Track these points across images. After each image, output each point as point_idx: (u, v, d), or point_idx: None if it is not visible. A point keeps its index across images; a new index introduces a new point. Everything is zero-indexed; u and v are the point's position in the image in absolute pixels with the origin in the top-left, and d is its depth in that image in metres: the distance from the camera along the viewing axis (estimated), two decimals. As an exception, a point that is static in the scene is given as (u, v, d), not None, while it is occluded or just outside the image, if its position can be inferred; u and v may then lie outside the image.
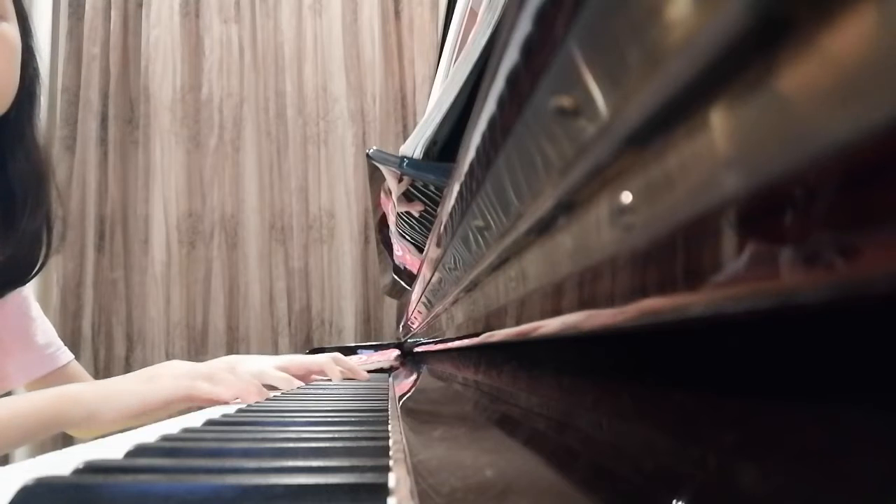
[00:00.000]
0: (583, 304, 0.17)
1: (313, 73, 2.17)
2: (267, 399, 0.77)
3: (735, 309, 0.10)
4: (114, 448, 0.40)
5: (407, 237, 0.86)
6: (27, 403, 0.66)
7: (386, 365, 1.40)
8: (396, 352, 1.43)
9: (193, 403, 0.75)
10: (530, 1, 0.16)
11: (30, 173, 0.79)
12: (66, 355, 0.97)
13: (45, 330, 0.95)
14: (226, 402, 0.74)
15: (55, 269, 2.10)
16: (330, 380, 1.09)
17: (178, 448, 0.38)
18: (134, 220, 2.15)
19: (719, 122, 0.10)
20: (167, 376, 0.76)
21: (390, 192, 0.74)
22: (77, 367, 0.99)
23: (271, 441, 0.41)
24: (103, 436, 0.52)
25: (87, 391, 0.71)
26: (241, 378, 0.79)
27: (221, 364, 0.88)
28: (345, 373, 1.10)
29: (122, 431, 0.65)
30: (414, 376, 0.91)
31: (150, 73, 2.16)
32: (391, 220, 0.87)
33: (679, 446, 0.13)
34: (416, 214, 0.71)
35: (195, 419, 0.56)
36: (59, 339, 0.98)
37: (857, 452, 0.09)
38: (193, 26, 2.19)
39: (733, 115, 0.09)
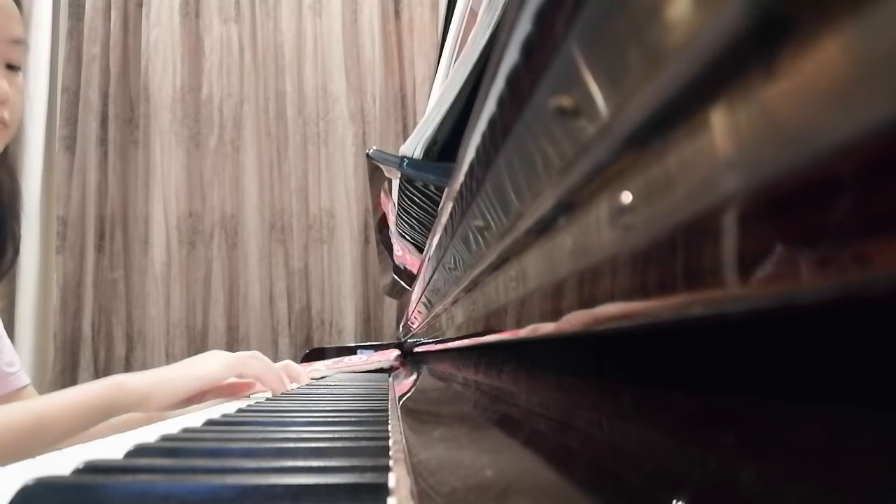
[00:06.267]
0: (583, 305, 0.17)
1: (313, 73, 2.17)
2: (267, 399, 0.77)
3: (735, 309, 0.10)
4: (114, 448, 0.40)
5: (407, 237, 0.86)
6: (77, 393, 0.69)
7: (386, 365, 1.40)
8: (396, 352, 1.43)
9: (242, 381, 0.82)
10: (530, 1, 0.16)
11: (11, 189, 0.85)
12: (26, 378, 0.96)
13: (9, 349, 0.95)
14: (269, 389, 0.83)
15: (55, 269, 2.10)
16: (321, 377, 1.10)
17: (178, 448, 0.38)
18: (134, 220, 2.15)
19: (719, 123, 0.10)
20: (214, 359, 0.82)
21: (390, 192, 0.74)
22: (33, 393, 0.96)
23: (271, 441, 0.41)
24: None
25: (136, 378, 0.74)
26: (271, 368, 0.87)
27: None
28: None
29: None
30: (414, 376, 0.91)
31: (150, 73, 2.16)
32: (391, 220, 0.87)
33: (679, 446, 0.13)
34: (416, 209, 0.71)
35: (195, 419, 0.56)
36: (19, 360, 0.97)
37: (857, 452, 0.09)
38: (193, 26, 2.19)
39: (733, 116, 0.09)
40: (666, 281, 0.12)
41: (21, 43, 0.75)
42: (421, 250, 0.79)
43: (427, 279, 0.56)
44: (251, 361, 0.83)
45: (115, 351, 2.08)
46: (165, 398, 0.73)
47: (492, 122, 0.22)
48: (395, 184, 0.68)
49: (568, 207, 0.17)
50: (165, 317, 2.10)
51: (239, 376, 0.82)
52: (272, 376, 0.85)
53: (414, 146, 0.58)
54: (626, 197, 0.13)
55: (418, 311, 0.78)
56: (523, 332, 0.24)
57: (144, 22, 2.17)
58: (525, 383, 0.28)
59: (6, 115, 0.73)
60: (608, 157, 0.14)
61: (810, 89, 0.08)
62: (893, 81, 0.06)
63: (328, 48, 2.19)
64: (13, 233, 0.85)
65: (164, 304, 2.10)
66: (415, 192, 0.65)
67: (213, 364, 0.79)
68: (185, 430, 0.46)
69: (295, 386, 0.95)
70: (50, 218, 2.15)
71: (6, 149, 0.82)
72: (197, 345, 2.08)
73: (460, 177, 0.29)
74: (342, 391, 0.89)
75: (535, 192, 0.19)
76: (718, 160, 0.10)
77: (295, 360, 1.77)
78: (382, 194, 0.84)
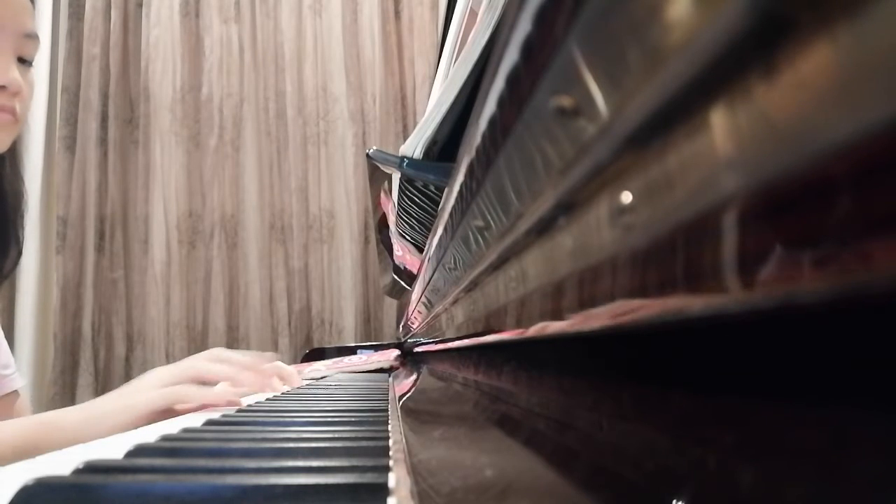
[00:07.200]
0: (583, 304, 0.17)
1: (313, 73, 2.17)
2: (267, 399, 0.77)
3: (735, 309, 0.10)
4: (114, 448, 0.40)
5: (407, 237, 0.86)
6: (5, 432, 0.62)
7: (386, 365, 1.40)
8: (396, 352, 1.43)
9: (181, 411, 0.70)
10: (530, 1, 0.16)
11: (17, 190, 0.84)
12: (20, 381, 0.92)
13: (5, 351, 0.93)
14: (216, 405, 0.69)
15: (55, 269, 2.10)
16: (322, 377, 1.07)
17: (178, 448, 0.38)
18: (134, 220, 2.15)
19: (719, 123, 0.10)
20: (149, 387, 0.72)
21: (390, 192, 0.74)
22: (24, 398, 0.94)
23: (271, 441, 0.41)
24: None
25: (69, 416, 0.68)
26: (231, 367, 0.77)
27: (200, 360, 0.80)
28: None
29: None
30: (414, 376, 0.91)
31: (150, 73, 2.16)
32: (391, 220, 0.87)
33: (678, 447, 0.13)
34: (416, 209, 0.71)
35: (195, 419, 0.56)
36: (14, 363, 0.93)
37: (857, 452, 0.09)
38: (193, 26, 2.19)
39: (733, 115, 0.09)
40: (666, 281, 0.12)
41: (33, 37, 0.74)
42: (421, 250, 0.79)
43: (427, 279, 0.56)
44: (188, 392, 0.70)
45: (115, 351, 2.08)
46: (103, 435, 0.62)
47: (492, 122, 0.22)
48: (395, 184, 0.68)
49: (568, 207, 0.17)
50: (165, 317, 2.10)
51: (196, 382, 0.72)
52: (242, 376, 0.73)
53: (414, 146, 0.58)
54: (626, 197, 0.13)
55: (418, 311, 0.78)
56: (523, 332, 0.24)
57: (144, 22, 2.17)
58: (525, 383, 0.28)
59: (18, 107, 0.72)
60: (608, 157, 0.14)
61: (809, 89, 0.08)
62: (892, 81, 0.06)
63: (328, 48, 2.19)
64: (17, 233, 0.84)
65: (164, 304, 2.10)
66: (415, 192, 0.65)
67: (148, 388, 0.70)
68: (185, 430, 0.46)
69: (287, 388, 0.93)
70: (50, 218, 2.15)
71: (14, 149, 0.82)
72: (197, 345, 2.08)
73: (460, 177, 0.29)
74: (342, 391, 0.89)
75: (535, 193, 0.19)
76: (718, 160, 0.10)
77: (295, 360, 1.78)
78: (382, 194, 0.84)
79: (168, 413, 0.68)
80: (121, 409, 0.67)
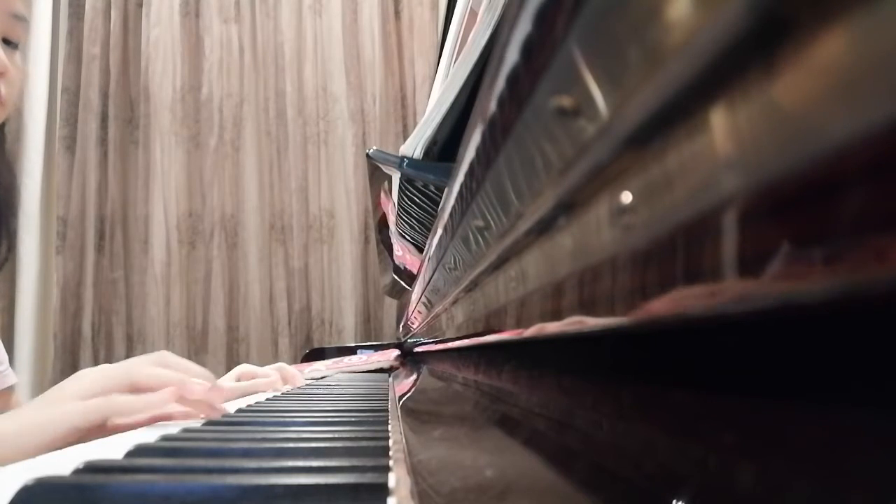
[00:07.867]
0: (583, 304, 0.17)
1: (313, 73, 2.17)
2: (267, 399, 0.77)
3: (735, 309, 0.10)
4: (114, 448, 0.40)
5: (407, 237, 0.86)
6: None
7: (386, 365, 1.40)
8: (396, 352, 1.43)
9: (119, 427, 0.52)
10: (530, 1, 0.16)
11: (9, 184, 0.82)
12: (14, 377, 0.89)
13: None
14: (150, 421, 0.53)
15: (55, 269, 2.10)
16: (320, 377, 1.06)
17: (178, 448, 0.38)
18: (134, 220, 2.15)
19: (719, 122, 0.10)
20: (72, 396, 0.54)
21: (390, 192, 0.74)
22: (19, 392, 0.90)
23: (271, 441, 0.41)
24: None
25: None
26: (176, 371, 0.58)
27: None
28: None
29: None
30: (414, 376, 0.91)
31: (150, 73, 2.16)
32: (391, 220, 0.87)
33: (678, 447, 0.13)
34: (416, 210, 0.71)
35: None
36: (7, 359, 0.88)
37: (857, 453, 0.09)
38: (193, 26, 2.19)
39: (733, 115, 0.09)
40: (666, 281, 0.12)
41: (22, 20, 0.71)
42: (421, 250, 0.79)
43: (427, 279, 0.56)
44: (120, 404, 0.52)
45: (115, 351, 2.08)
46: (10, 460, 0.44)
47: (492, 122, 0.22)
48: (395, 184, 0.68)
49: (568, 207, 0.17)
50: (165, 317, 2.10)
51: (133, 389, 0.55)
52: (185, 389, 0.54)
53: (414, 146, 0.58)
54: (627, 197, 0.13)
55: (418, 311, 0.78)
56: (523, 332, 0.24)
57: (144, 22, 2.17)
58: (525, 383, 0.28)
59: (3, 89, 0.69)
60: (608, 157, 0.14)
61: (809, 89, 0.08)
62: (892, 80, 0.06)
63: (328, 48, 2.18)
64: (8, 228, 0.83)
65: (164, 304, 2.10)
66: (415, 192, 0.65)
67: (69, 398, 0.53)
68: (185, 430, 0.46)
69: (289, 388, 0.94)
70: (50, 218, 2.15)
71: (5, 143, 0.81)
72: (197, 345, 2.08)
73: (460, 177, 0.29)
74: (342, 391, 0.89)
75: (535, 193, 0.19)
76: (718, 160, 0.10)
77: (295, 360, 1.78)
78: (382, 194, 0.84)
79: (102, 430, 0.51)
80: (37, 428, 0.50)
